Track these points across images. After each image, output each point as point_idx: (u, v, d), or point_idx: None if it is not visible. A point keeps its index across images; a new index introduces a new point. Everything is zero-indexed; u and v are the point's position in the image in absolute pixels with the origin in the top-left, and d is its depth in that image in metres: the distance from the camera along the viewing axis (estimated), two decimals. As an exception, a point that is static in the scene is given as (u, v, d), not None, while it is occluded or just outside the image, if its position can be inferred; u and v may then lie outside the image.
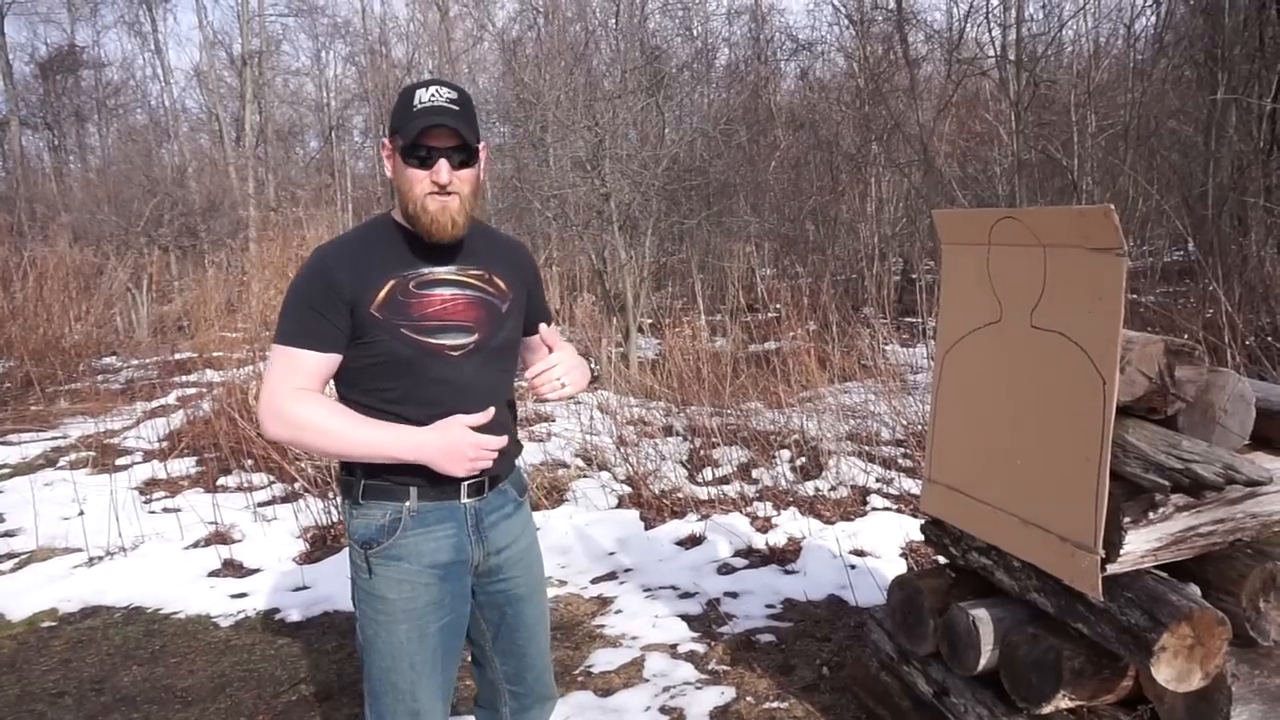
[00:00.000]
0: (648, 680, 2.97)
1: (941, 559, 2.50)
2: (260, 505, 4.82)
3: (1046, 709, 1.98)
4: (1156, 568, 1.90)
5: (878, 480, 4.72)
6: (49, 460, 5.85)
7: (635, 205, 8.14)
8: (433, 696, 1.72)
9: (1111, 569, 1.81)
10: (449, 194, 1.61)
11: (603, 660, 3.13)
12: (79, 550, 4.26)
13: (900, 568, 3.70)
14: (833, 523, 4.22)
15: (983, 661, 2.11)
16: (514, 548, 1.83)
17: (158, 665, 3.25)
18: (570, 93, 8.27)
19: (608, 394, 6.61)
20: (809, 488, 4.68)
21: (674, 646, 3.20)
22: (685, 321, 8.68)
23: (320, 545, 4.30)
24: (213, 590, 3.86)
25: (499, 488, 1.80)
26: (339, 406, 1.67)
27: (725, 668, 3.03)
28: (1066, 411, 1.86)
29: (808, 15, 33.80)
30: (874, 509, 4.37)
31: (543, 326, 1.82)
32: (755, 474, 4.94)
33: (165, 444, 5.97)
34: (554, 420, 6.15)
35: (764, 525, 4.27)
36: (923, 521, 2.51)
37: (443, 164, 1.60)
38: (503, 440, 1.70)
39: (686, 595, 3.62)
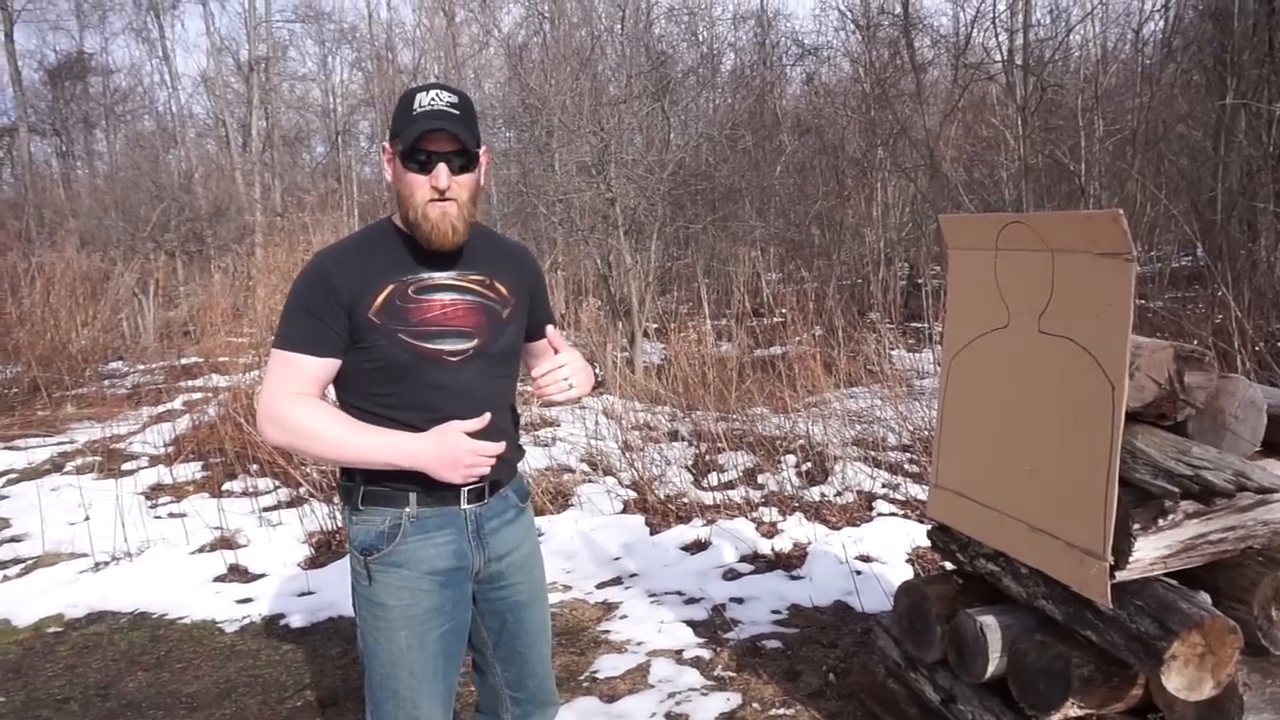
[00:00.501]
0: (653, 686, 2.96)
1: (948, 565, 2.49)
2: (265, 510, 4.82)
3: (1055, 717, 1.96)
4: (1166, 575, 1.88)
5: (884, 486, 4.70)
6: (55, 465, 5.86)
7: (640, 210, 8.14)
8: (434, 704, 1.71)
9: (1121, 576, 1.80)
10: (448, 199, 1.60)
11: (608, 666, 3.12)
12: (85, 555, 4.27)
13: (907, 574, 3.68)
14: (839, 528, 4.20)
15: (990, 669, 2.09)
16: (516, 554, 1.81)
17: (163, 670, 3.25)
18: (576, 98, 8.28)
19: (613, 399, 6.60)
20: (815, 493, 4.66)
21: (679, 652, 3.18)
22: (690, 326, 8.68)
23: (325, 550, 4.29)
24: (218, 595, 3.86)
25: (500, 493, 1.79)
26: (336, 412, 1.66)
27: (731, 674, 3.01)
28: (1075, 417, 1.84)
29: (813, 20, 33.92)
30: (880, 514, 4.35)
31: (549, 329, 1.81)
32: (761, 479, 4.92)
33: (171, 449, 5.98)
34: (559, 425, 6.14)
35: (769, 531, 4.25)
36: (929, 527, 2.49)
37: (442, 168, 1.59)
38: (500, 446, 1.68)
39: (692, 601, 3.61)
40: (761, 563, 3.95)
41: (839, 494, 4.63)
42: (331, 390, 1.71)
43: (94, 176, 22.08)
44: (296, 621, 3.59)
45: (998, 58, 10.25)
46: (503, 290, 1.76)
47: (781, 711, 2.76)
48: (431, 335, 1.65)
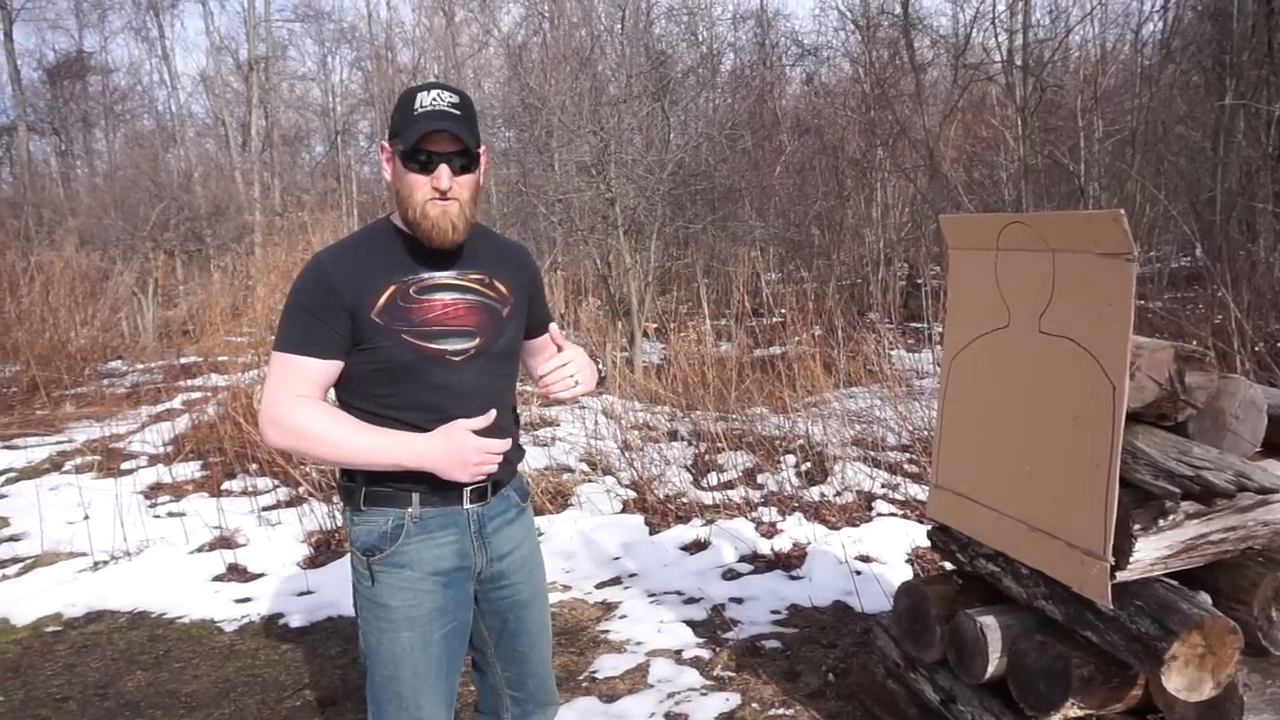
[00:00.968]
0: (652, 686, 2.96)
1: (948, 565, 2.49)
2: (265, 509, 4.81)
3: (1055, 717, 1.96)
4: (1167, 576, 1.88)
5: (883, 486, 4.70)
6: (54, 464, 5.85)
7: (640, 210, 8.14)
8: (436, 705, 1.71)
9: (1121, 576, 1.80)
10: (449, 199, 1.60)
11: (607, 666, 3.12)
12: (84, 554, 4.26)
13: (906, 574, 3.68)
14: (838, 528, 4.20)
15: (990, 669, 2.09)
16: (516, 554, 1.81)
17: (162, 670, 3.25)
18: (575, 98, 8.29)
19: (612, 399, 6.60)
20: (814, 493, 4.66)
21: (679, 652, 3.18)
22: (690, 326, 8.68)
23: (324, 550, 4.29)
24: (217, 595, 3.85)
25: (501, 493, 1.79)
26: (339, 413, 1.65)
27: (730, 674, 3.01)
28: (1076, 417, 1.84)
29: (813, 20, 33.83)
30: (880, 515, 4.35)
31: (551, 326, 1.82)
32: (760, 479, 4.92)
33: (170, 448, 5.97)
34: (559, 425, 6.14)
35: (769, 531, 4.25)
36: (929, 527, 2.49)
37: (443, 169, 1.59)
38: (506, 444, 1.69)
39: (691, 601, 3.61)
40: (761, 563, 3.95)
41: (838, 494, 4.63)
42: (332, 392, 1.71)
43: (93, 175, 22.07)
44: (295, 621, 3.59)
45: (997, 58, 10.25)
46: (502, 289, 1.76)
47: (781, 711, 2.76)
48: (434, 335, 1.65)
